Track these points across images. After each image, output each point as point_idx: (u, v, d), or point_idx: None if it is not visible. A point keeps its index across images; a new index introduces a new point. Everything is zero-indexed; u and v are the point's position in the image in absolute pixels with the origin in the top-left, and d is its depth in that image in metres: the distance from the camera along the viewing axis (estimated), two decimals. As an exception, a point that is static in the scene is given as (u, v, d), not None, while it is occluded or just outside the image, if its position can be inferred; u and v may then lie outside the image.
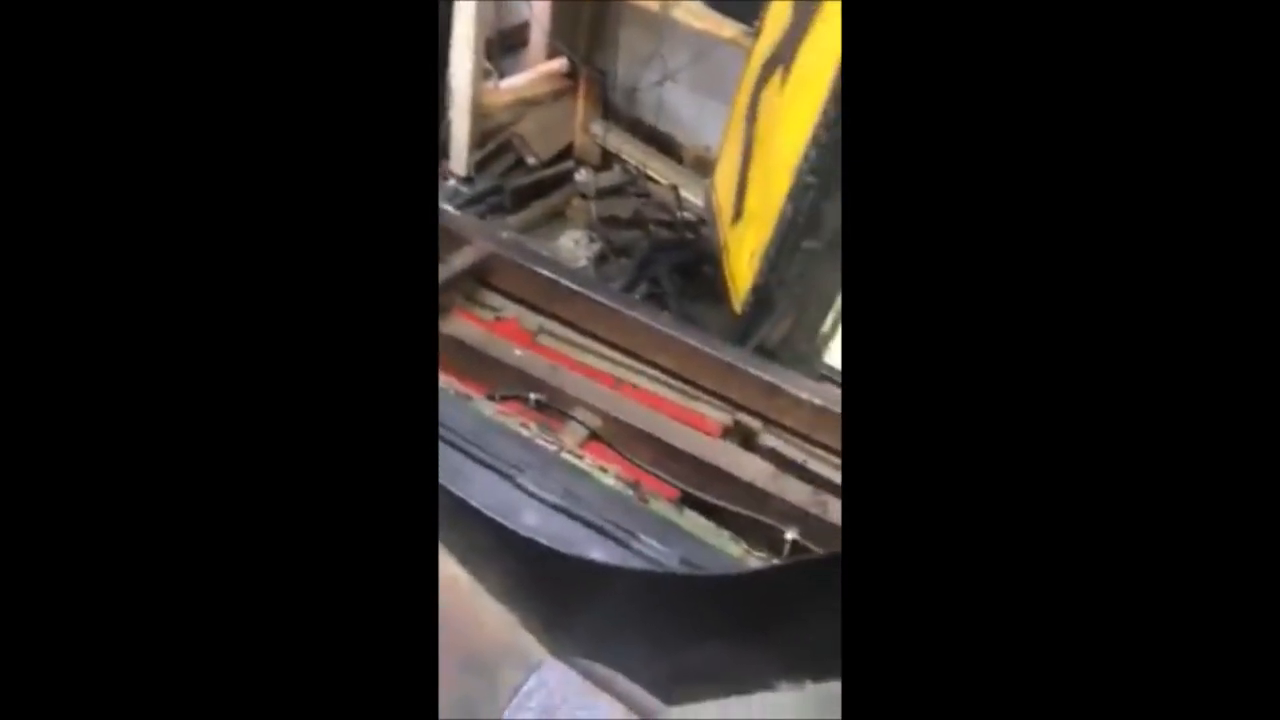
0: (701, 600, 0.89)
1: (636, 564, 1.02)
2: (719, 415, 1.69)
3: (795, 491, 1.48)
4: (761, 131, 1.92)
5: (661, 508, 1.38)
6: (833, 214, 1.61)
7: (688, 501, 1.49)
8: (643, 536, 1.08)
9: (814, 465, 1.58)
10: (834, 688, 0.76)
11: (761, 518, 1.44)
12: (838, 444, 1.58)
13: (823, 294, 1.69)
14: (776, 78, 1.87)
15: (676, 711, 0.89)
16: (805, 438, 1.62)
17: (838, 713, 0.75)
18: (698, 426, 1.67)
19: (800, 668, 0.78)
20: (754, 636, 0.84)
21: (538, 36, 2.96)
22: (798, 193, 1.61)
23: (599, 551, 1.04)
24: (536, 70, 2.96)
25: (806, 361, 1.75)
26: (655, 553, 1.05)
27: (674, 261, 2.58)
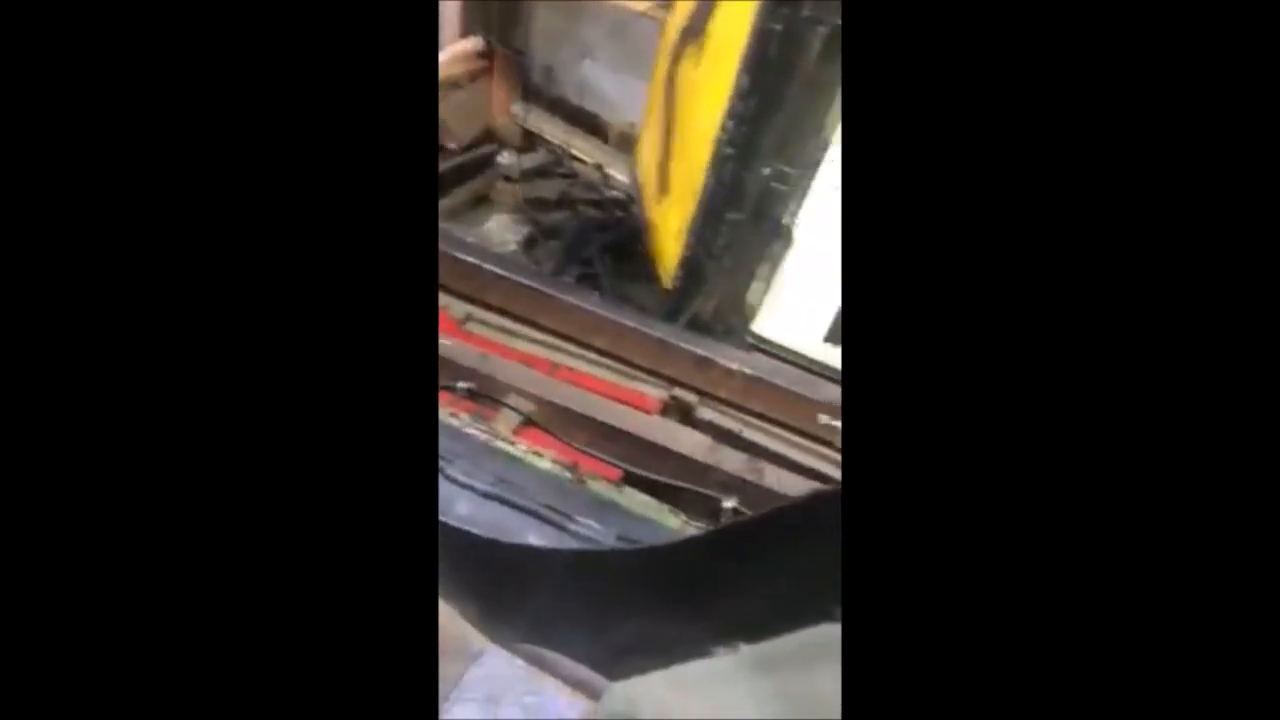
0: (637, 574, 0.90)
1: (572, 545, 1.01)
2: (655, 392, 1.70)
3: (732, 461, 1.51)
4: (680, 105, 1.92)
5: (600, 488, 1.38)
6: (754, 184, 1.62)
7: (629, 480, 1.49)
8: (579, 518, 1.08)
9: (749, 434, 1.61)
10: (766, 648, 0.77)
11: (700, 489, 1.46)
12: (771, 411, 1.62)
13: (748, 265, 1.71)
14: (691, 50, 1.86)
15: (620, 686, 0.90)
16: (739, 408, 1.64)
17: (773, 671, 0.77)
18: (635, 404, 1.67)
19: (734, 632, 0.80)
20: (689, 605, 0.85)
21: (449, 15, 2.86)
22: (718, 165, 1.62)
23: (535, 536, 1.03)
24: (450, 51, 2.87)
25: (737, 333, 1.77)
26: (592, 532, 1.05)
27: (604, 241, 2.56)
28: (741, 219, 1.65)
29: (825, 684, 0.69)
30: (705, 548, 0.85)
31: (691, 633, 0.84)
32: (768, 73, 1.51)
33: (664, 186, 1.95)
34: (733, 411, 1.65)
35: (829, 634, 0.74)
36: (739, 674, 0.77)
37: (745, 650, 0.79)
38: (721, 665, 0.80)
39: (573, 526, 1.05)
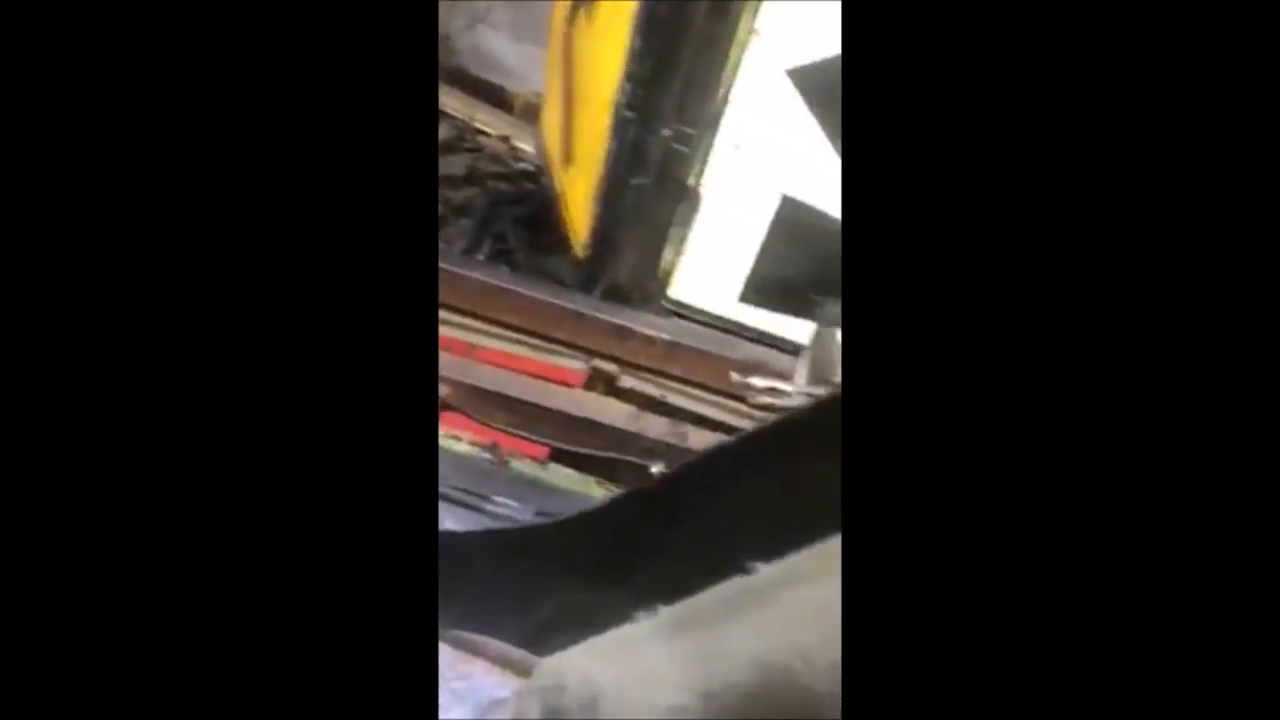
0: (554, 548, 0.89)
1: (490, 526, 1.00)
2: (576, 365, 1.69)
3: (655, 427, 1.52)
4: (578, 70, 1.87)
5: (523, 466, 1.36)
6: (656, 147, 1.60)
7: (556, 456, 1.49)
8: (497, 498, 1.07)
9: (672, 399, 1.62)
10: (683, 608, 0.78)
11: (626, 457, 1.47)
12: (692, 375, 1.64)
13: (659, 229, 1.70)
14: (585, 13, 1.81)
15: (550, 661, 0.89)
16: (660, 374, 1.65)
17: (690, 630, 0.78)
18: (558, 379, 1.66)
19: (653, 595, 0.80)
20: (608, 573, 0.85)
21: (332, -14, 2.70)
22: (618, 129, 1.59)
23: (451, 521, 1.01)
24: (337, 24, 2.71)
25: (654, 299, 1.77)
26: (510, 511, 1.04)
27: (516, 215, 2.50)
28: (647, 183, 1.63)
29: (738, 637, 0.70)
30: (617, 514, 0.85)
31: (613, 600, 0.85)
32: (660, 32, 1.49)
33: (568, 155, 1.92)
34: (655, 378, 1.65)
35: (741, 586, 0.75)
36: (658, 636, 0.78)
37: (664, 612, 0.80)
38: (641, 629, 0.80)
39: (490, 508, 1.04)
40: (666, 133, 1.57)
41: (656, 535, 0.81)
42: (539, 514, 1.06)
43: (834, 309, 1.42)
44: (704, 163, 1.59)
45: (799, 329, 1.59)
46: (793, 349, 1.57)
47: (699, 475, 0.77)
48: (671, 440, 1.48)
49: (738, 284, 1.69)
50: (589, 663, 0.85)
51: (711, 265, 1.71)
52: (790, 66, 1.42)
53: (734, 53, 1.48)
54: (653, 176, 1.63)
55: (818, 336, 1.39)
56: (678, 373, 1.64)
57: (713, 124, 1.55)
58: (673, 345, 1.66)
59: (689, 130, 1.56)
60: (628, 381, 1.66)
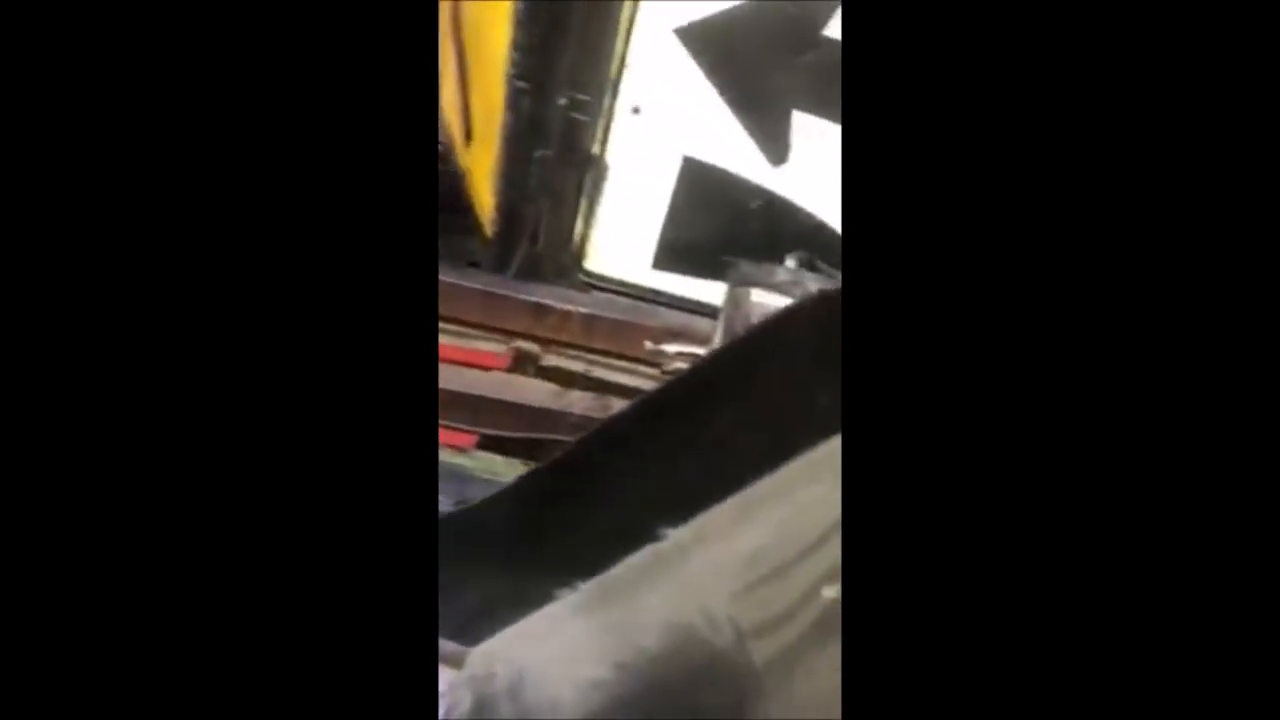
0: (468, 535, 0.88)
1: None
2: (495, 348, 1.65)
3: (580, 402, 1.51)
4: (469, 43, 1.80)
5: (446, 456, 1.33)
6: (554, 117, 1.56)
7: (483, 443, 1.47)
8: (413, 492, 1.04)
9: (597, 373, 1.61)
10: (599, 582, 0.78)
11: (554, 436, 1.46)
12: (613, 346, 1.63)
13: (566, 202, 1.67)
14: (470, -19, 1.74)
15: (481, 649, 0.88)
16: (582, 348, 1.63)
17: (605, 602, 0.78)
18: (478, 364, 1.62)
19: (571, 571, 0.80)
20: (523, 554, 0.85)
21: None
22: (513, 101, 1.54)
23: (364, 522, 0.98)
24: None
25: (569, 273, 1.75)
26: (427, 504, 1.01)
27: (426, 199, 2.42)
28: (549, 155, 1.60)
29: (649, 604, 0.70)
30: (525, 494, 0.84)
31: (534, 582, 0.84)
32: (546, -4, 1.44)
33: (468, 132, 1.85)
34: (576, 353, 1.64)
35: (653, 553, 0.75)
36: (577, 612, 0.78)
37: (582, 588, 0.80)
38: (562, 608, 0.80)
39: (405, 503, 1.01)
40: (563, 101, 1.53)
41: (567, 511, 0.80)
42: (459, 503, 1.03)
43: (745, 269, 1.42)
44: (606, 130, 1.56)
45: (715, 291, 1.59)
46: (710, 312, 1.58)
47: (602, 445, 0.76)
48: (596, 415, 1.47)
49: (650, 251, 1.68)
50: (515, 647, 0.84)
51: (623, 234, 1.69)
52: (677, 25, 1.40)
53: (625, 13, 1.45)
54: (555, 148, 1.59)
55: (730, 297, 1.40)
56: (599, 346, 1.63)
57: (611, 89, 1.52)
58: (592, 319, 1.64)
59: (585, 97, 1.53)
60: (550, 359, 1.64)
